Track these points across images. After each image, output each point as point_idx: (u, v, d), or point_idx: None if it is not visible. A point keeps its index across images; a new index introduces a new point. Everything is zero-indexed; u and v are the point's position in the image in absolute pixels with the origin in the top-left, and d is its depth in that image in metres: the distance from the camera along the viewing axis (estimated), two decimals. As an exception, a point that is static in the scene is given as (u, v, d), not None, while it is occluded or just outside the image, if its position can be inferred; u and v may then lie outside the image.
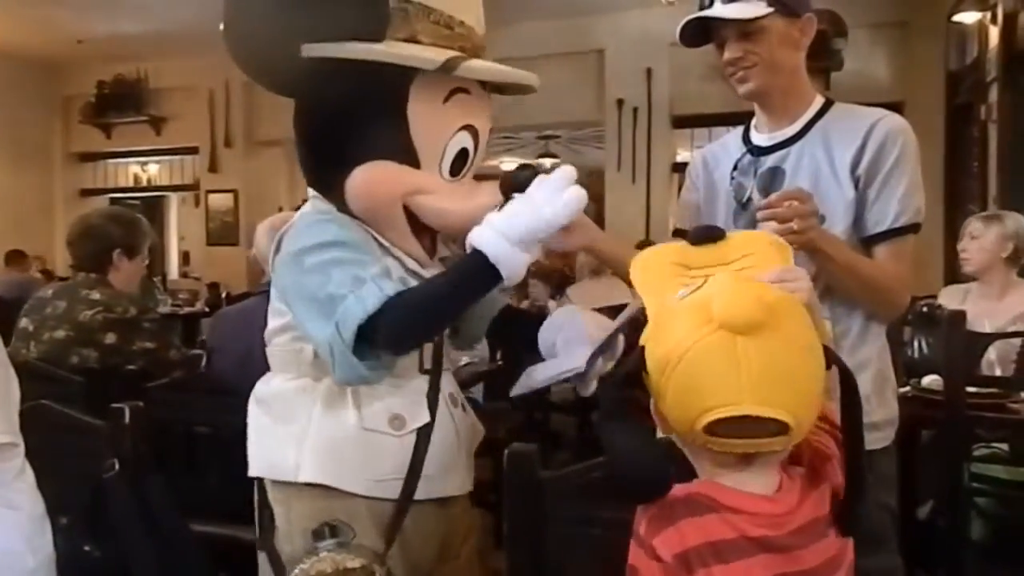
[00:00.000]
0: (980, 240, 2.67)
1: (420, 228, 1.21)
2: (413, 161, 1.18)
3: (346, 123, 1.19)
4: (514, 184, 1.16)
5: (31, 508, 1.30)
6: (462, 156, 1.22)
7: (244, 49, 1.20)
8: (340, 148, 1.19)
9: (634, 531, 0.85)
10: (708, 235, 0.90)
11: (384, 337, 1.08)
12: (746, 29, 1.35)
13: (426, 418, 1.19)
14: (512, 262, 1.05)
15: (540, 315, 1.32)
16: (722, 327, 0.75)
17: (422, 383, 1.22)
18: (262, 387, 1.27)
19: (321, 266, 1.12)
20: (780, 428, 0.77)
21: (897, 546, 1.38)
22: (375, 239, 1.19)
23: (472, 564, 1.31)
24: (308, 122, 1.25)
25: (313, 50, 1.15)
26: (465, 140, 1.21)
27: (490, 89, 1.26)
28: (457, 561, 1.28)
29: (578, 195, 1.05)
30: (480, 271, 1.06)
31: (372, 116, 1.17)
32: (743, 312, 0.75)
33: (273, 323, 1.26)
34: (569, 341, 1.19)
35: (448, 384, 1.26)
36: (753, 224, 1.43)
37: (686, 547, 0.79)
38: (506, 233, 1.04)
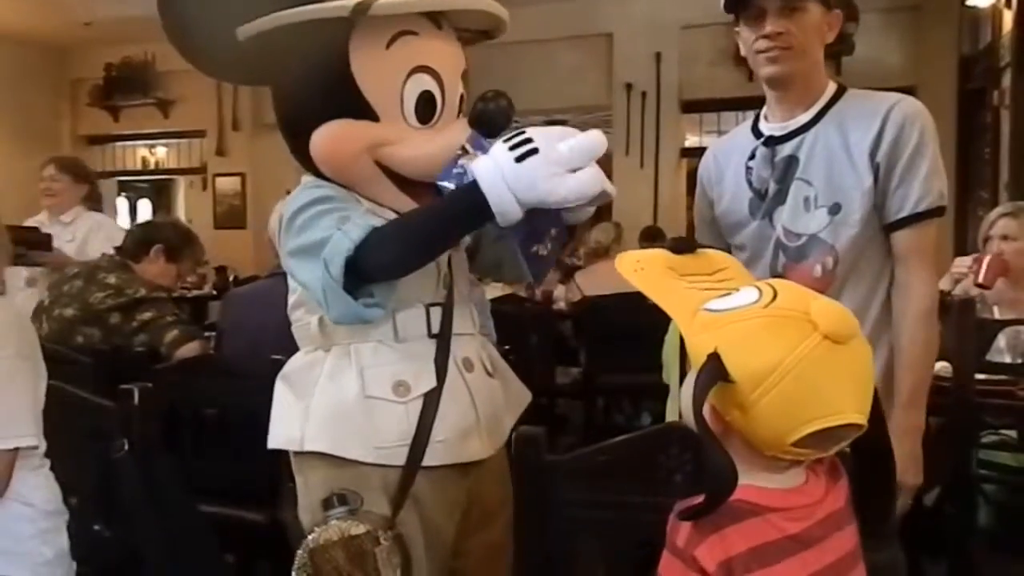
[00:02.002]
0: (1019, 240, 2.55)
1: (413, 184, 1.20)
2: (370, 114, 1.17)
3: (298, 93, 1.20)
4: (482, 117, 1.13)
5: (43, 503, 1.33)
6: (428, 101, 1.19)
7: (181, 38, 1.21)
8: (300, 119, 1.20)
9: (668, 542, 0.85)
10: (685, 246, 0.94)
11: (371, 264, 1.07)
12: (791, 5, 1.34)
13: (432, 383, 1.19)
14: (508, 208, 1.01)
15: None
16: (828, 337, 0.76)
17: (430, 348, 1.21)
18: (287, 364, 1.29)
19: (309, 219, 1.14)
20: (849, 433, 0.79)
21: (901, 538, 1.38)
22: (363, 202, 1.20)
23: (507, 539, 1.27)
24: (274, 104, 1.26)
25: (244, 32, 1.16)
26: (425, 83, 1.17)
27: (462, 35, 1.25)
28: (489, 531, 1.26)
29: (590, 179, 1.00)
30: (474, 207, 1.03)
31: (318, 80, 1.18)
32: (846, 322, 0.77)
33: (290, 300, 1.29)
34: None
35: (462, 349, 1.25)
36: (771, 215, 1.42)
37: (730, 554, 0.79)
38: (509, 181, 1.00)
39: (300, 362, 1.26)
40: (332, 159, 1.19)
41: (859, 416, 0.77)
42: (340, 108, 1.17)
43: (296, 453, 1.23)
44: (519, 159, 0.99)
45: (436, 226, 1.12)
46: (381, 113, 1.17)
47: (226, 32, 1.17)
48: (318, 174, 1.22)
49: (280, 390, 1.26)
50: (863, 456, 0.88)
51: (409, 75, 1.17)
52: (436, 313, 1.23)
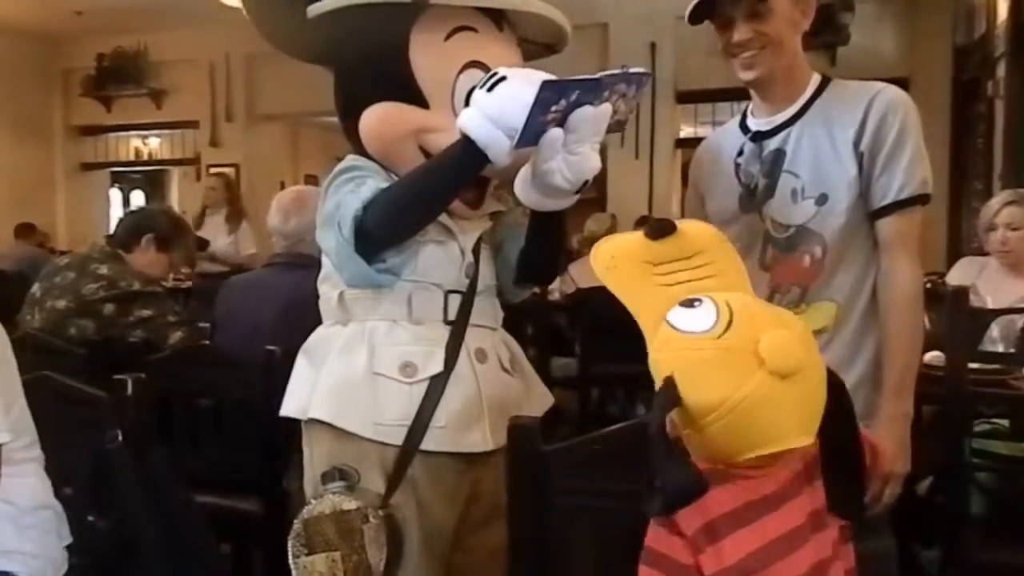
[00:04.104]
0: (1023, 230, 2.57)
1: None
2: (420, 102, 1.22)
3: (355, 73, 1.27)
4: None
5: (24, 500, 1.30)
6: None
7: (260, 18, 1.30)
8: (354, 98, 1.25)
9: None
10: (662, 230, 0.92)
11: (374, 221, 1.12)
12: (756, 9, 1.33)
13: (440, 368, 1.20)
14: (494, 142, 1.06)
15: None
16: (772, 373, 0.78)
17: (444, 334, 1.23)
18: (310, 338, 1.31)
19: (335, 187, 1.20)
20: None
21: (892, 527, 1.38)
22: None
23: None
24: (334, 84, 1.32)
25: (314, 10, 1.21)
26: (477, 78, 1.18)
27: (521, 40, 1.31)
28: (494, 531, 1.23)
29: None
30: (463, 150, 1.08)
31: (376, 62, 1.23)
32: (794, 359, 0.78)
33: (321, 273, 1.31)
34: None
35: (478, 340, 1.26)
36: (760, 210, 1.43)
37: (709, 518, 0.82)
38: (488, 113, 1.05)
39: (320, 335, 1.29)
40: (379, 138, 1.23)
41: (802, 439, 0.80)
42: (393, 91, 1.22)
43: (305, 424, 1.25)
44: (490, 89, 1.06)
45: (432, 175, 1.16)
46: (431, 101, 1.22)
47: (298, 9, 1.23)
48: (364, 156, 1.26)
49: (299, 361, 1.29)
50: (830, 450, 0.88)
51: (463, 69, 1.22)
52: (455, 300, 1.24)
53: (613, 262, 0.91)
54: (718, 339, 0.80)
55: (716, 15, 1.37)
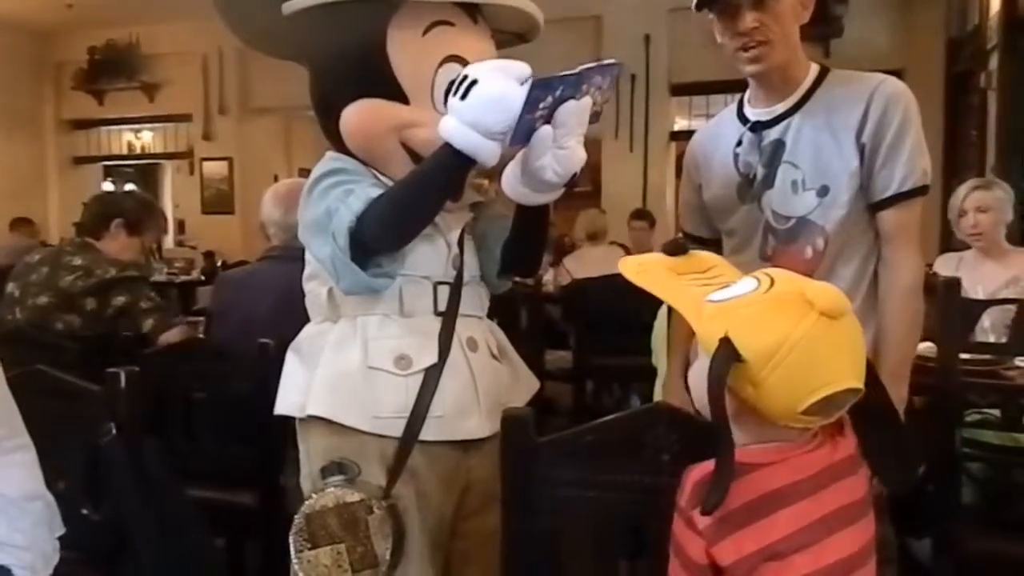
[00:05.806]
0: (993, 212, 2.64)
1: None
2: (400, 97, 1.22)
3: (334, 70, 1.25)
4: None
5: (9, 490, 1.29)
6: None
7: (232, 16, 1.30)
8: (333, 96, 1.25)
9: (677, 504, 0.90)
10: (675, 248, 1.00)
11: (370, 234, 1.13)
12: None
13: (434, 359, 1.21)
14: (478, 147, 1.07)
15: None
16: (824, 314, 0.82)
17: (435, 325, 1.24)
18: (299, 335, 1.31)
19: (322, 192, 1.20)
20: (847, 398, 0.86)
21: (891, 515, 1.39)
22: (380, 179, 1.23)
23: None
24: (311, 81, 1.30)
25: (288, 7, 1.21)
26: (456, 72, 1.18)
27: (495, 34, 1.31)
28: (490, 515, 1.23)
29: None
30: (449, 157, 1.09)
31: (354, 59, 1.23)
32: (838, 300, 0.85)
33: (305, 272, 1.31)
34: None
35: (468, 329, 1.27)
36: (759, 200, 1.43)
37: (725, 511, 0.83)
38: (467, 121, 1.06)
39: (309, 332, 1.30)
40: (360, 135, 1.23)
41: (857, 382, 0.84)
42: (372, 88, 1.21)
43: (300, 421, 1.26)
44: (463, 96, 1.06)
45: (421, 183, 1.17)
46: (411, 97, 1.22)
47: (272, 7, 1.22)
48: (345, 153, 1.26)
49: (289, 359, 1.29)
50: (870, 417, 0.91)
51: (442, 63, 1.22)
52: (444, 292, 1.26)
53: (641, 267, 0.97)
54: (766, 292, 0.86)
55: (720, 4, 1.36)
